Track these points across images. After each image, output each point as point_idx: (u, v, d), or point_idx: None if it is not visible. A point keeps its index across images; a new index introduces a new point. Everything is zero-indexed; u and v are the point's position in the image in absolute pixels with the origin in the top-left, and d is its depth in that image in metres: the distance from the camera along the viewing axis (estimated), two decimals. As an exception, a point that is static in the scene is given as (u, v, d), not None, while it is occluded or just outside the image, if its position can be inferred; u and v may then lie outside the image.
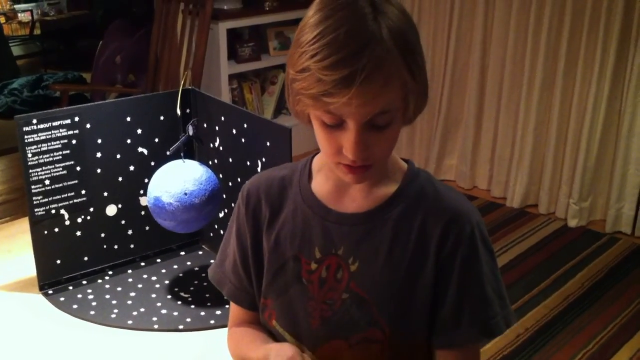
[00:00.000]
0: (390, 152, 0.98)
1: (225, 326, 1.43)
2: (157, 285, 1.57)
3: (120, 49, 4.50)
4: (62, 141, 1.50)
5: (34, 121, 1.46)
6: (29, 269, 1.57)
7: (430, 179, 1.05)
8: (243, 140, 1.50)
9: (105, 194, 1.59)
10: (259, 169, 1.47)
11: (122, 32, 4.65)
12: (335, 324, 1.02)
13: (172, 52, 3.25)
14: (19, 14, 6.76)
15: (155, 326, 1.43)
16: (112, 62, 4.49)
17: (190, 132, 1.60)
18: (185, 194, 1.44)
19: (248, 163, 1.50)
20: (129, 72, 4.48)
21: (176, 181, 1.45)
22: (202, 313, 1.47)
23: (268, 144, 1.43)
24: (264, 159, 1.45)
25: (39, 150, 1.48)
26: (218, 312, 1.47)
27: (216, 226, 1.68)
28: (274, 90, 4.37)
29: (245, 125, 1.49)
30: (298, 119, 1.00)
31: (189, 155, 1.61)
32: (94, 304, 1.50)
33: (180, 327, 1.43)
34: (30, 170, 1.48)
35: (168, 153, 1.56)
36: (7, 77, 5.43)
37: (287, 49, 4.30)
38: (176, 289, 1.56)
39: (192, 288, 1.56)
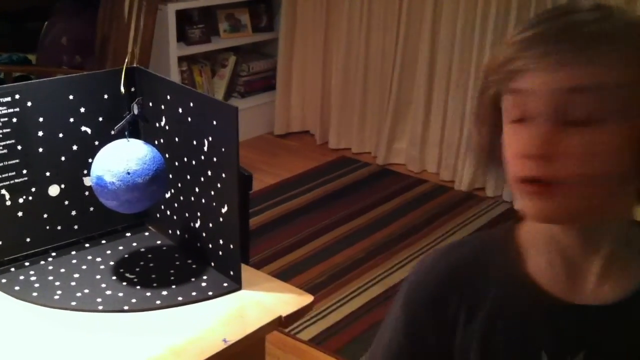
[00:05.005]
0: (604, 172, 0.73)
1: (170, 307, 1.42)
2: (102, 267, 1.55)
3: (66, 30, 4.39)
4: (2, 119, 1.46)
5: (-28, 99, 1.42)
6: (-32, 250, 1.53)
7: None
8: (189, 119, 1.49)
9: (48, 173, 1.55)
10: (205, 149, 1.46)
11: (69, 12, 4.54)
12: None
13: (120, 34, 3.20)
14: (-39, -7, 6.55)
15: (100, 307, 1.41)
16: (58, 43, 4.39)
17: (135, 111, 1.58)
18: (128, 173, 1.41)
19: (194, 142, 1.49)
20: (75, 54, 4.39)
21: (119, 160, 1.43)
22: (148, 294, 1.45)
23: (215, 122, 1.42)
24: (210, 138, 1.44)
25: (-22, 128, 1.44)
26: (164, 293, 1.46)
27: (162, 207, 1.66)
28: (224, 73, 4.34)
29: (191, 104, 1.48)
30: (483, 148, 0.89)
31: (135, 135, 1.59)
32: (36, 285, 1.47)
33: (126, 307, 1.41)
34: (-31, 149, 1.44)
35: (112, 132, 1.53)
36: (-52, 58, 5.26)
37: (238, 31, 4.28)
38: (121, 270, 1.54)
39: (137, 269, 1.54)
